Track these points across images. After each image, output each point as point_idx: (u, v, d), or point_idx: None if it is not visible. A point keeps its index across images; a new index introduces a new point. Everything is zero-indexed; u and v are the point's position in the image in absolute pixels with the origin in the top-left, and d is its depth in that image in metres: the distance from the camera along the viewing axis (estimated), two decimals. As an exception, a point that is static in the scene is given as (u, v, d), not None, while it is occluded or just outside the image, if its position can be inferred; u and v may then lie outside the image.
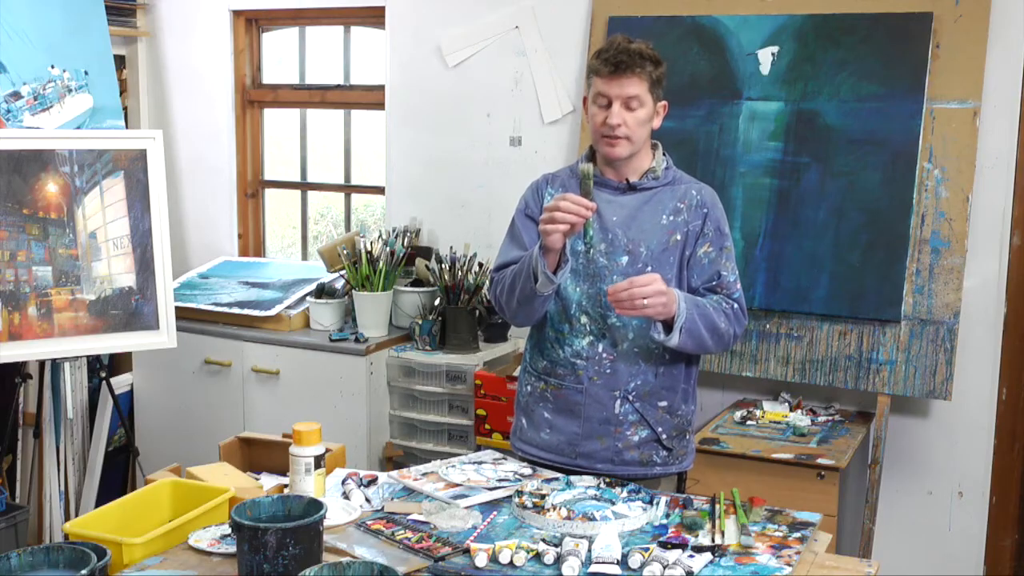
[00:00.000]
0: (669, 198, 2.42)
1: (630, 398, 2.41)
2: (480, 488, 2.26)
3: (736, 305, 2.43)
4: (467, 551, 1.93)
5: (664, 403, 2.44)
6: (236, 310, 3.93)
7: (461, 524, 2.07)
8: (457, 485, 2.28)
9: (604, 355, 2.40)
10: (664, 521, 2.11)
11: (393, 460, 3.69)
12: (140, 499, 2.16)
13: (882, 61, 3.23)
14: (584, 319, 2.41)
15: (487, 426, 3.48)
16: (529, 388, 2.53)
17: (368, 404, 3.67)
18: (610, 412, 2.41)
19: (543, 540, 1.98)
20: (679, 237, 2.41)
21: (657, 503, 2.15)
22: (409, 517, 2.12)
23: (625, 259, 2.38)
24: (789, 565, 1.91)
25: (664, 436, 2.45)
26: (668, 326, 2.30)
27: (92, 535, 1.92)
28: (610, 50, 2.35)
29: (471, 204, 3.99)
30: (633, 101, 2.34)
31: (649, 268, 2.36)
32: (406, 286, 3.89)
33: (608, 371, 2.41)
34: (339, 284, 3.97)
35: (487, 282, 3.70)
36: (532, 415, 2.51)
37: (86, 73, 3.79)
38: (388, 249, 3.78)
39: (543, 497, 2.15)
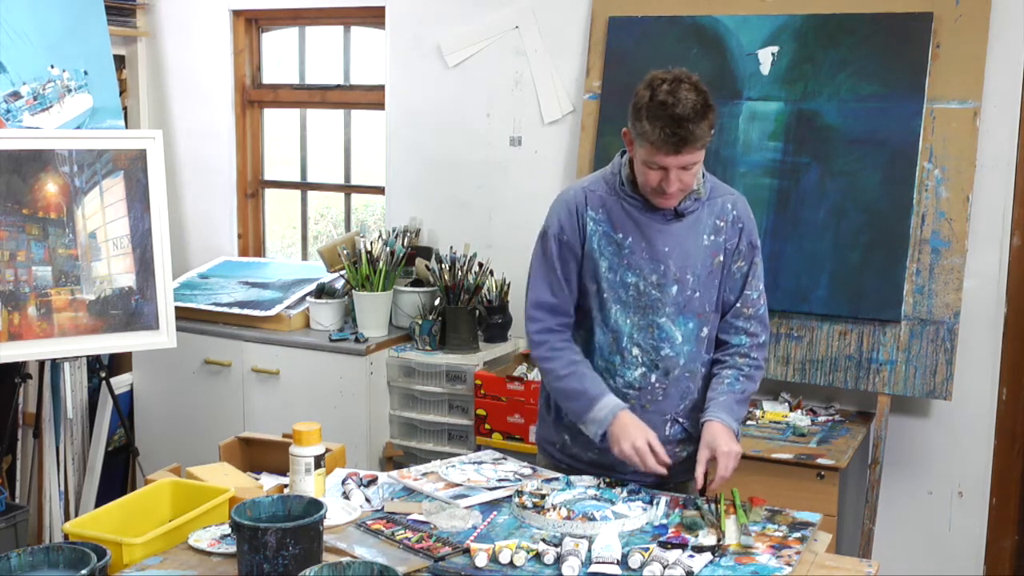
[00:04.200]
0: (707, 216, 2.34)
1: (680, 419, 2.39)
2: (480, 488, 2.26)
3: (754, 353, 2.39)
4: (467, 551, 1.93)
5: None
6: (236, 310, 3.92)
7: (461, 524, 2.07)
8: (457, 485, 2.28)
9: (656, 384, 2.35)
10: (664, 521, 2.11)
11: (393, 460, 3.69)
12: (140, 499, 2.16)
13: (882, 61, 3.23)
14: (636, 351, 2.34)
15: (487, 426, 3.48)
16: None
17: (368, 404, 3.67)
18: (661, 435, 2.34)
19: (543, 540, 1.98)
20: (721, 258, 2.35)
21: (657, 503, 2.15)
22: (409, 517, 2.12)
23: (675, 288, 2.31)
24: (789, 565, 1.91)
25: None
26: None
27: (92, 535, 1.92)
28: (663, 116, 2.12)
29: (471, 204, 3.99)
30: (692, 165, 2.22)
31: (697, 294, 2.32)
32: (406, 286, 3.88)
33: (660, 398, 2.36)
34: (339, 284, 3.96)
35: (488, 283, 3.71)
36: (578, 436, 2.40)
37: (86, 73, 3.79)
38: (388, 249, 3.78)
39: (543, 497, 2.15)
